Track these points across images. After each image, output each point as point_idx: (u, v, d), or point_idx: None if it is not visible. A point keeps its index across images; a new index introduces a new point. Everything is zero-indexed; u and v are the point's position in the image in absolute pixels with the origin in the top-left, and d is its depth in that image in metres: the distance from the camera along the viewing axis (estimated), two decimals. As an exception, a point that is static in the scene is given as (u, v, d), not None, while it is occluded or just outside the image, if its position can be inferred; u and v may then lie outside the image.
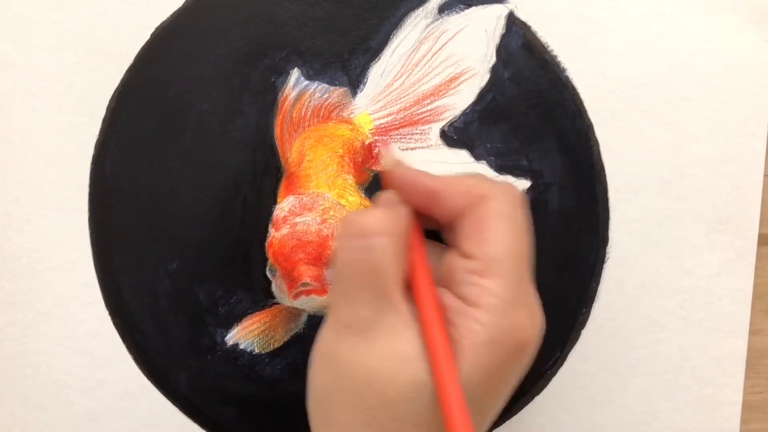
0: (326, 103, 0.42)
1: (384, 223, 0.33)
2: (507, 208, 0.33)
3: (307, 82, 0.42)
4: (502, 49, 0.42)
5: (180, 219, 0.43)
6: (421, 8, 0.42)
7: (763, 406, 0.45)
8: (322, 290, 0.40)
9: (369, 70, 0.42)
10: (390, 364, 0.31)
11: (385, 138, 0.42)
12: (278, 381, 0.43)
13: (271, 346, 0.43)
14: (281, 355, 0.43)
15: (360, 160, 0.42)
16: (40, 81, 0.42)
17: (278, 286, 0.42)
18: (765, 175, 0.43)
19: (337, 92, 0.42)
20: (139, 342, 0.44)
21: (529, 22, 0.42)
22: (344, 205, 0.41)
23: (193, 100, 0.42)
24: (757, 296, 0.43)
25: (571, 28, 0.42)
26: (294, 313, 0.43)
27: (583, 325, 0.43)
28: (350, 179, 0.42)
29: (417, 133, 0.42)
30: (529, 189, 0.42)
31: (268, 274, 0.42)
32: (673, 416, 0.44)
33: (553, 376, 0.44)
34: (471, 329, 0.31)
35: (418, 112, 0.42)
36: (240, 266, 0.43)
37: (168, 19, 0.42)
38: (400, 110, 0.42)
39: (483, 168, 0.42)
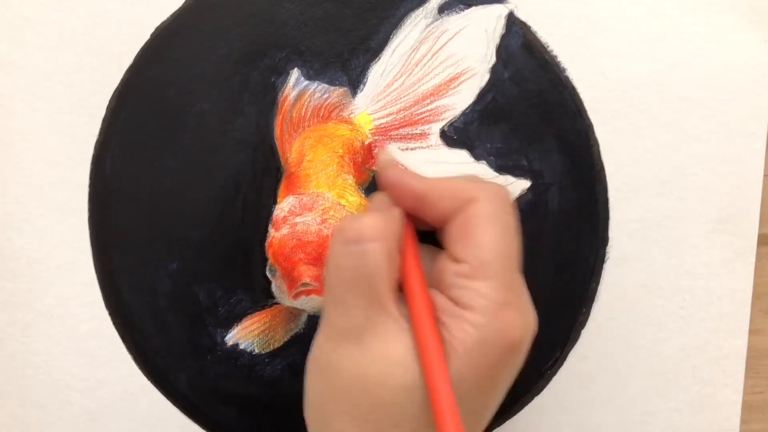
0: (326, 103, 0.42)
1: (376, 228, 0.33)
2: (494, 209, 0.33)
3: (307, 82, 0.42)
4: (502, 49, 0.42)
5: (180, 219, 0.43)
6: (421, 8, 0.42)
7: (763, 406, 0.45)
8: (322, 290, 0.40)
9: (369, 70, 0.42)
10: (383, 368, 0.31)
11: (384, 138, 0.42)
12: (278, 381, 0.43)
13: (271, 346, 0.43)
14: (281, 355, 0.43)
15: (360, 160, 0.42)
16: (40, 81, 0.42)
17: (278, 286, 0.42)
18: (765, 175, 0.43)
19: (337, 92, 0.42)
20: (139, 342, 0.44)
21: (529, 22, 0.42)
22: (344, 205, 0.41)
23: (193, 100, 0.42)
24: (757, 296, 0.43)
25: (571, 28, 0.42)
26: (294, 313, 0.43)
27: (583, 325, 0.43)
28: (350, 179, 0.42)
29: (417, 133, 0.42)
30: (529, 189, 0.42)
31: (268, 274, 0.42)
32: (672, 416, 0.44)
33: (553, 376, 0.44)
34: (462, 330, 0.31)
35: (418, 112, 0.42)
36: (240, 266, 0.43)
37: (168, 19, 0.42)
38: (400, 110, 0.42)
39: (483, 168, 0.42)
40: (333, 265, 0.33)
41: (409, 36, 0.42)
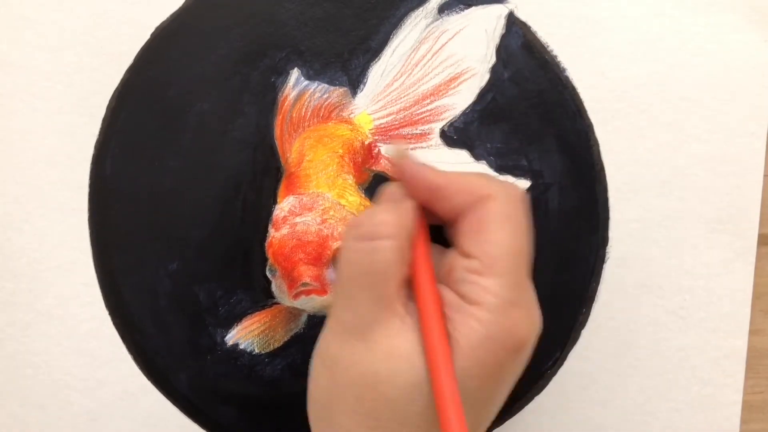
0: (326, 103, 0.42)
1: (389, 225, 0.33)
2: (508, 207, 0.33)
3: (307, 82, 0.42)
4: (502, 49, 0.42)
5: (180, 219, 0.43)
6: (421, 8, 0.42)
7: (763, 406, 0.45)
8: (322, 290, 0.40)
9: (369, 70, 0.42)
10: (390, 364, 0.31)
11: (384, 138, 0.42)
12: (278, 381, 0.43)
13: (271, 346, 0.43)
14: (281, 355, 0.43)
15: (360, 160, 0.42)
16: (40, 81, 0.42)
17: (278, 286, 0.42)
18: (765, 175, 0.43)
19: (337, 92, 0.42)
20: (139, 342, 0.44)
21: (529, 22, 0.42)
22: (344, 205, 0.41)
23: (193, 100, 0.42)
24: (756, 296, 0.43)
25: (571, 28, 0.42)
26: (294, 313, 0.43)
27: (583, 325, 0.43)
28: (350, 179, 0.42)
29: (417, 133, 0.42)
30: (529, 189, 0.42)
31: (268, 274, 0.42)
32: (673, 416, 0.44)
33: (553, 376, 0.44)
34: (469, 326, 0.31)
35: (418, 112, 0.42)
36: (240, 266, 0.43)
37: (168, 19, 0.42)
38: (400, 110, 0.42)
39: (483, 168, 0.42)
40: (345, 260, 0.33)
41: (409, 36, 0.42)
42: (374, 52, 0.42)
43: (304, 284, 0.40)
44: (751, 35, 0.42)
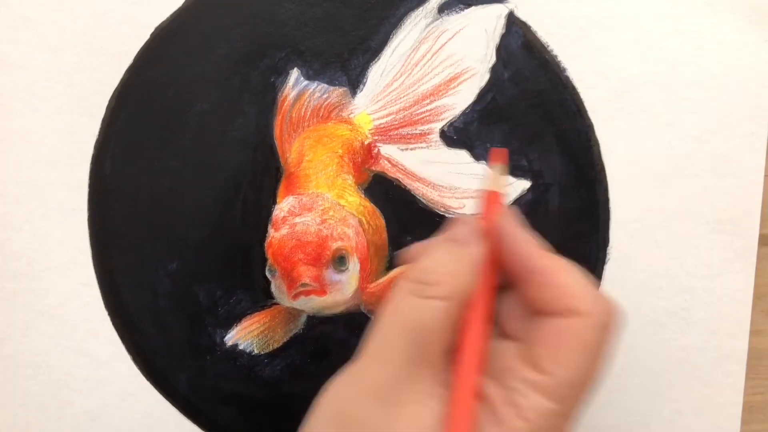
0: (326, 103, 0.42)
1: (449, 284, 0.30)
2: (597, 333, 0.30)
3: (306, 82, 0.42)
4: (502, 49, 0.42)
5: (180, 219, 0.43)
6: (420, 8, 0.42)
7: (763, 406, 0.45)
8: (321, 291, 0.40)
9: (369, 70, 0.42)
10: None
11: (384, 138, 0.42)
12: (278, 381, 0.43)
13: (271, 347, 0.43)
14: (281, 356, 0.43)
15: (359, 160, 0.42)
16: (40, 81, 0.42)
17: (278, 287, 0.41)
18: (765, 175, 0.43)
19: (337, 92, 0.42)
20: (138, 342, 0.44)
21: (529, 22, 0.42)
22: (344, 206, 0.41)
23: (193, 100, 0.42)
24: (757, 296, 0.43)
25: (571, 28, 0.42)
26: (293, 313, 0.43)
27: (583, 326, 0.43)
28: (350, 179, 0.42)
29: (417, 133, 0.42)
30: (529, 189, 0.42)
31: (267, 274, 0.42)
32: (673, 417, 0.44)
33: (553, 377, 0.44)
34: (510, 428, 0.29)
35: (417, 112, 0.42)
36: (240, 266, 0.43)
37: (168, 19, 0.42)
38: (400, 110, 0.42)
39: (483, 168, 0.42)
40: (393, 308, 0.31)
41: (409, 36, 0.42)
42: (374, 52, 0.42)
43: (304, 285, 0.40)
44: (751, 35, 0.42)
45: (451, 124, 0.42)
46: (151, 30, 0.42)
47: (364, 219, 0.41)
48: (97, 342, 0.44)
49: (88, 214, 0.43)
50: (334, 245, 0.40)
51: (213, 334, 0.43)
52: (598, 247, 0.43)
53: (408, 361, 0.29)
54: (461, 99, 0.42)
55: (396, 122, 0.42)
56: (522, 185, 0.42)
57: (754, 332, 0.44)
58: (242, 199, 0.43)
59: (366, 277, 0.41)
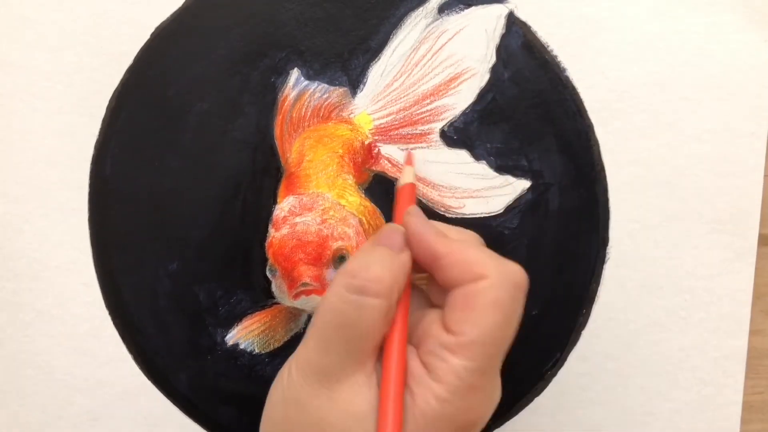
0: (326, 103, 0.42)
1: (383, 283, 0.32)
2: (501, 292, 0.32)
3: (306, 82, 0.42)
4: (502, 49, 0.42)
5: (180, 219, 0.43)
6: (421, 8, 0.42)
7: (763, 406, 0.45)
8: (322, 290, 0.40)
9: (369, 70, 0.42)
10: (344, 420, 0.32)
11: (384, 138, 0.42)
12: (278, 381, 0.43)
13: (271, 346, 0.43)
14: (281, 355, 0.43)
15: (360, 160, 0.42)
16: (40, 81, 0.42)
17: (278, 286, 0.41)
18: (765, 175, 0.43)
19: (337, 92, 0.42)
20: (139, 342, 0.44)
21: (529, 22, 0.42)
22: (344, 205, 0.41)
23: (193, 100, 0.42)
24: (757, 296, 0.43)
25: (571, 28, 0.42)
26: (294, 313, 0.43)
27: (583, 325, 0.43)
28: (350, 179, 0.42)
29: (417, 133, 0.42)
30: (529, 189, 0.42)
31: (268, 274, 0.42)
32: (673, 417, 0.44)
33: (553, 377, 0.44)
34: (427, 402, 0.31)
35: (417, 112, 0.42)
36: (240, 266, 0.43)
37: (168, 19, 0.42)
38: (400, 110, 0.42)
39: (483, 168, 0.42)
40: (329, 306, 0.33)
41: (409, 36, 0.42)
42: (374, 52, 0.42)
43: (304, 284, 0.40)
44: (751, 35, 0.42)
45: (451, 124, 0.42)
46: (151, 30, 0.42)
47: (364, 219, 0.41)
48: (97, 342, 0.44)
49: (88, 214, 0.43)
50: (335, 245, 0.40)
51: (213, 333, 0.43)
52: (598, 247, 0.43)
53: (347, 356, 0.32)
54: (461, 99, 0.42)
55: (396, 122, 0.42)
56: (522, 185, 0.42)
57: (753, 332, 0.44)
58: (242, 199, 0.43)
59: (366, 277, 0.41)
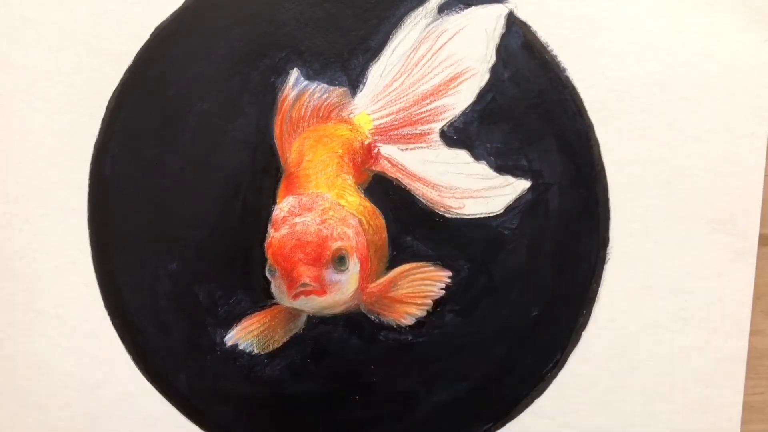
0: (326, 103, 0.42)
1: None
2: None
3: (306, 82, 0.42)
4: (502, 49, 0.42)
5: (180, 219, 0.43)
6: (420, 8, 0.42)
7: (763, 406, 0.45)
8: (321, 291, 0.40)
9: (368, 70, 0.42)
10: None
11: (384, 138, 0.42)
12: (277, 382, 0.43)
13: (271, 347, 0.43)
14: (280, 356, 0.43)
15: (359, 160, 0.42)
16: (40, 81, 0.42)
17: (277, 287, 0.41)
18: (765, 175, 0.43)
19: (337, 92, 0.42)
20: (138, 342, 0.44)
21: (529, 22, 0.42)
22: (343, 206, 0.41)
23: (193, 100, 0.42)
24: (757, 297, 0.43)
25: (571, 28, 0.42)
26: (293, 313, 0.43)
27: (584, 326, 0.43)
28: (350, 179, 0.42)
29: (416, 133, 0.42)
30: (529, 189, 0.42)
31: (267, 274, 0.42)
32: (673, 417, 0.44)
33: (553, 378, 0.44)
34: None
35: (417, 112, 0.42)
36: (240, 266, 0.43)
37: (168, 19, 0.42)
38: (400, 110, 0.42)
39: (483, 168, 0.42)
40: None
41: (409, 36, 0.42)
42: (374, 52, 0.42)
43: (304, 285, 0.39)
44: (751, 35, 0.42)
45: (451, 124, 0.42)
46: (151, 30, 0.42)
47: (364, 219, 0.41)
48: (97, 342, 0.44)
49: (88, 214, 0.43)
50: (334, 245, 0.40)
51: (213, 334, 0.43)
52: (598, 247, 0.43)
53: None
54: (461, 99, 0.42)
55: (396, 122, 0.42)
56: (522, 185, 0.42)
57: (754, 332, 0.44)
58: (242, 199, 0.43)
59: (366, 277, 0.41)
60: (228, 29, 0.42)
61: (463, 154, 0.42)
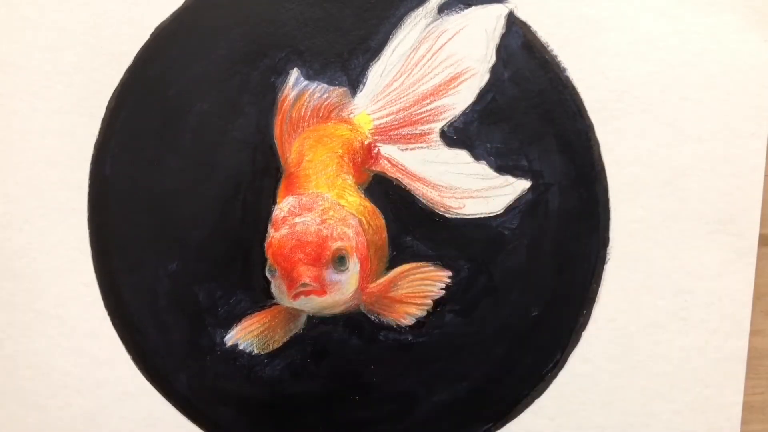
0: (326, 103, 0.42)
1: None
2: None
3: (306, 82, 0.42)
4: (502, 49, 0.42)
5: (180, 219, 0.43)
6: (420, 8, 0.42)
7: (763, 406, 0.45)
8: (321, 291, 0.40)
9: (369, 70, 0.42)
10: None
11: (384, 138, 0.42)
12: (277, 382, 0.43)
13: (271, 347, 0.43)
14: (280, 356, 0.43)
15: (359, 160, 0.42)
16: (40, 81, 0.42)
17: (277, 287, 0.41)
18: (765, 175, 0.43)
19: (337, 92, 0.42)
20: (138, 342, 0.44)
21: (529, 22, 0.42)
22: (343, 206, 0.41)
23: (193, 100, 0.42)
24: (757, 297, 0.43)
25: (571, 28, 0.42)
26: (293, 313, 0.43)
27: (584, 326, 0.43)
28: (350, 179, 0.42)
29: (416, 133, 0.42)
30: (529, 189, 0.42)
31: (267, 274, 0.42)
32: (673, 417, 0.44)
33: (553, 378, 0.44)
34: None
35: (417, 112, 0.42)
36: (239, 266, 0.43)
37: (168, 19, 0.42)
38: (400, 110, 0.42)
39: (483, 168, 0.42)
40: None
41: (409, 36, 0.42)
42: (374, 52, 0.42)
43: (304, 285, 0.39)
44: (751, 35, 0.42)
45: (451, 124, 0.42)
46: (151, 30, 0.42)
47: (364, 219, 0.41)
48: (96, 342, 0.44)
49: (88, 214, 0.43)
50: (334, 245, 0.40)
51: (213, 334, 0.43)
52: (598, 247, 0.43)
53: None
54: (461, 99, 0.42)
55: (396, 122, 0.42)
56: (522, 185, 0.42)
57: (754, 332, 0.44)
58: (242, 199, 0.43)
59: (366, 277, 0.41)
60: (228, 29, 0.42)
61: (463, 154, 0.42)
